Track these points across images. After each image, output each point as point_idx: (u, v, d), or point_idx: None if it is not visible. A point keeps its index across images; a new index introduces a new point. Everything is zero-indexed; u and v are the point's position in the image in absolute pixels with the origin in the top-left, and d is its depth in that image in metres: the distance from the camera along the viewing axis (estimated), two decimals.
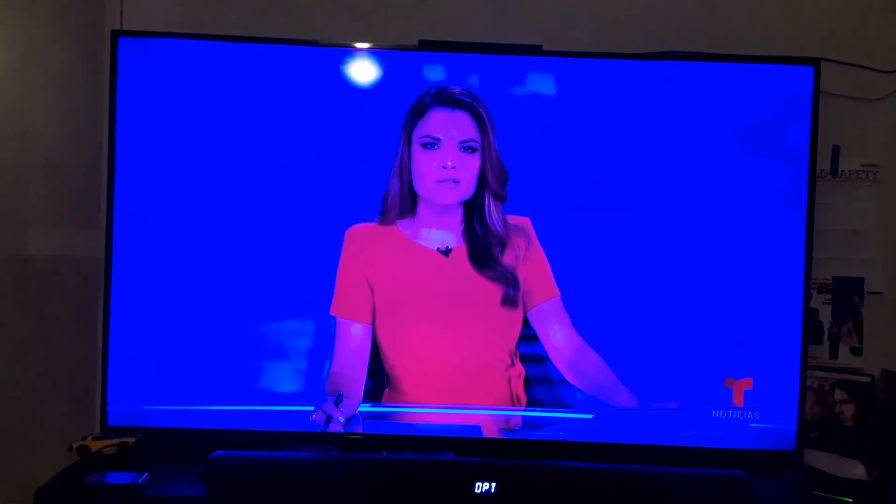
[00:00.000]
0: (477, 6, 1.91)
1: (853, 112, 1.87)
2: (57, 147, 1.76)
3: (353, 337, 1.64)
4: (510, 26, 1.87)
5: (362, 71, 1.65)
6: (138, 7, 1.87)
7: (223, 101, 1.64)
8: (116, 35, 1.65)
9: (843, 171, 1.88)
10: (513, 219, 1.66)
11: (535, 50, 1.67)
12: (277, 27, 1.83)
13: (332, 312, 1.64)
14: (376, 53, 1.65)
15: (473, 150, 1.62)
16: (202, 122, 1.64)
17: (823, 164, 1.85)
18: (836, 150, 1.87)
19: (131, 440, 1.60)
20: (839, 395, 1.77)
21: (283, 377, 1.64)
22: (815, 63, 1.66)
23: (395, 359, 1.65)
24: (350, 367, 1.64)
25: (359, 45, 1.66)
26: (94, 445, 1.58)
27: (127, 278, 1.64)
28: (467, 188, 1.62)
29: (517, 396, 1.66)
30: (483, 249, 1.65)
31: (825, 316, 1.87)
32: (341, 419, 1.61)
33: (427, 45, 1.66)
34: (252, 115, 1.64)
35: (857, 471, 1.68)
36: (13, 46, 1.63)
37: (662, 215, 1.66)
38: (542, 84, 1.66)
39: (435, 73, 1.65)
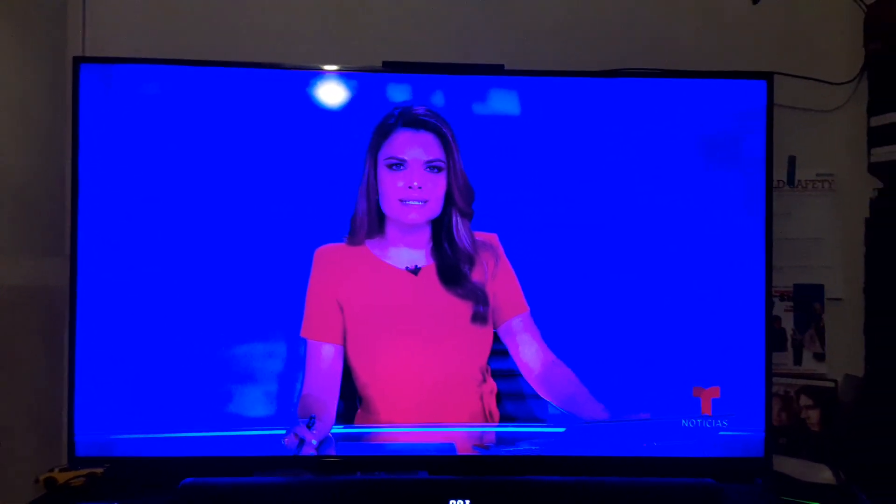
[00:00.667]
0: (440, 27, 1.94)
1: (807, 123, 1.92)
2: (21, 175, 1.73)
3: (324, 358, 1.63)
4: (474, 47, 1.90)
5: (327, 92, 1.66)
6: (102, 33, 1.87)
7: (189, 125, 1.64)
8: (78, 61, 1.64)
9: (799, 180, 1.93)
10: (480, 235, 1.67)
11: (496, 69, 1.70)
12: (242, 51, 1.83)
13: (303, 334, 1.64)
14: (341, 75, 1.67)
15: (439, 169, 1.63)
16: (168, 146, 1.63)
17: (780, 174, 1.90)
18: (792, 161, 1.92)
19: (100, 470, 1.58)
20: (804, 400, 1.81)
21: (254, 401, 1.63)
22: (768, 77, 1.71)
23: (367, 379, 1.65)
24: (322, 388, 1.63)
25: (323, 67, 1.67)
26: (62, 477, 1.56)
27: (93, 306, 1.62)
28: (434, 207, 1.64)
29: (490, 412, 1.67)
30: (452, 267, 1.66)
31: (788, 323, 1.91)
32: (314, 442, 1.60)
33: (391, 67, 1.68)
34: (218, 139, 1.64)
35: (825, 475, 1.71)
36: None
37: (627, 228, 1.68)
38: (505, 102, 1.68)
39: (399, 93, 1.66)
